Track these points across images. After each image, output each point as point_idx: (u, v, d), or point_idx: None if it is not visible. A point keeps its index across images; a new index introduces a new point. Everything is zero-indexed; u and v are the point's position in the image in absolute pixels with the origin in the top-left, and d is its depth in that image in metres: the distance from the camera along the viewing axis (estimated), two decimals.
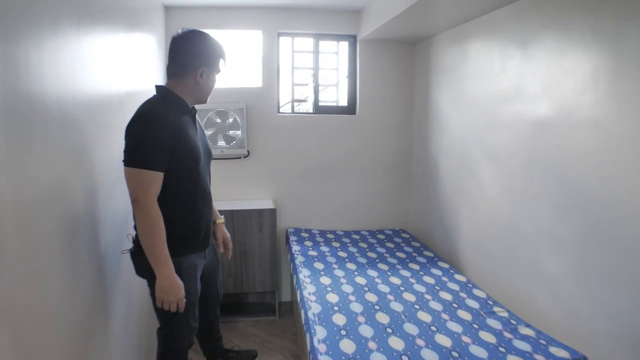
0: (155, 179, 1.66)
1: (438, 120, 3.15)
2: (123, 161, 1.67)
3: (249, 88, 3.38)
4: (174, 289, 1.68)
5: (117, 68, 2.10)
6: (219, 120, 3.29)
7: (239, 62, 3.46)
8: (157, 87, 1.83)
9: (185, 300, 1.74)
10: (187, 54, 1.78)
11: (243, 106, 3.32)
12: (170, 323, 1.87)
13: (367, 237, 3.33)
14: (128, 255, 1.91)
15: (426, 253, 2.99)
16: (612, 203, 1.65)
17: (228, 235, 2.27)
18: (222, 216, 2.26)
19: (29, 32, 1.26)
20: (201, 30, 1.85)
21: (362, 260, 2.82)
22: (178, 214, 1.80)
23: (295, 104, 3.58)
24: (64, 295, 1.46)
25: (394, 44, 3.51)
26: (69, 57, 1.54)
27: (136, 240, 1.78)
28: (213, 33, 3.27)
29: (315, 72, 3.53)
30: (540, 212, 2.06)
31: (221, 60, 1.87)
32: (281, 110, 3.54)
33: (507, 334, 1.89)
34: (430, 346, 1.79)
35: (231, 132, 3.32)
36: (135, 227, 1.76)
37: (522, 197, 2.19)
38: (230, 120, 3.31)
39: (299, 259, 2.78)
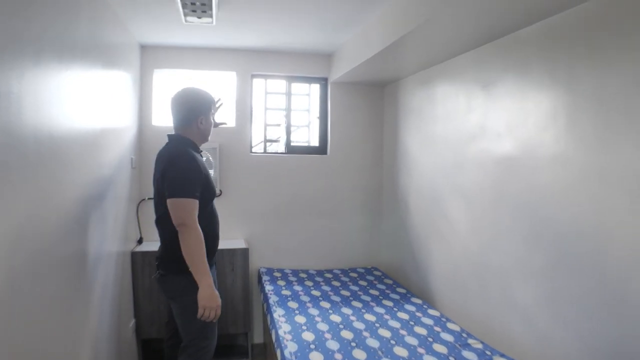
0: (196, 206, 2.01)
1: (407, 159, 3.25)
2: (168, 195, 1.97)
3: (222, 128, 3.42)
4: (215, 297, 1.95)
5: (94, 104, 2.11)
6: None
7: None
8: (170, 135, 2.23)
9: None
10: (186, 109, 2.18)
11: (216, 145, 3.34)
12: (201, 334, 2.11)
13: (340, 275, 3.33)
14: (98, 289, 2.07)
15: (399, 290, 3.01)
16: (577, 233, 1.74)
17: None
18: None
19: (12, 64, 1.27)
20: (190, 87, 2.25)
21: (336, 298, 2.81)
22: (207, 233, 2.10)
23: (268, 144, 3.63)
24: (37, 328, 1.40)
25: (363, 87, 3.65)
26: (48, 91, 1.55)
27: (164, 265, 2.12)
28: (187, 73, 3.36)
29: (287, 112, 3.61)
30: (510, 246, 2.13)
31: (212, 105, 2.27)
32: (254, 150, 3.58)
33: None
34: None
35: None
36: (161, 252, 2.16)
37: (493, 231, 2.26)
38: (204, 159, 3.31)
39: (273, 299, 2.74)
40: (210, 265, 2.17)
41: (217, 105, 2.39)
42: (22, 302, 1.33)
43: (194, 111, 2.18)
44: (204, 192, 2.11)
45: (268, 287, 2.95)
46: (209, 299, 1.92)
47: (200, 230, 1.98)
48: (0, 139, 1.21)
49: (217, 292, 1.96)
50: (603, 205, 1.62)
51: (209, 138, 2.32)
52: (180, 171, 1.99)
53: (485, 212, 2.32)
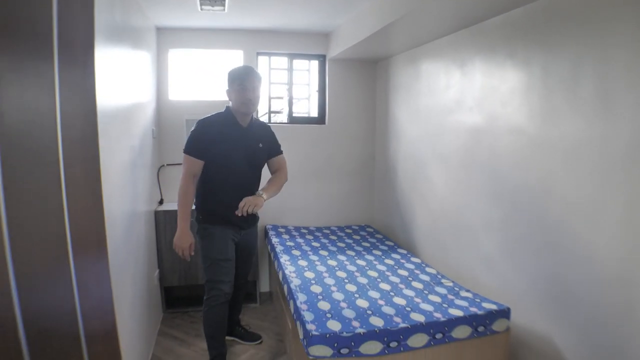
0: (192, 162, 2.49)
1: (396, 129, 3.66)
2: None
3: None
4: (184, 240, 2.48)
5: (127, 82, 2.49)
6: None
7: (222, 78, 3.88)
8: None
9: (216, 259, 2.54)
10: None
11: None
12: (209, 275, 2.57)
13: (337, 231, 3.79)
14: (134, 241, 2.57)
15: (388, 242, 3.47)
16: (525, 190, 2.17)
17: (250, 200, 2.46)
18: (262, 193, 2.59)
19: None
20: (235, 66, 2.65)
21: (333, 248, 3.27)
22: (209, 194, 2.58)
23: (272, 114, 4.03)
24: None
25: (358, 63, 4.02)
26: (101, 73, 1.93)
27: (197, 211, 2.63)
28: (198, 52, 3.71)
29: (289, 87, 4.00)
30: (477, 202, 2.56)
31: (236, 80, 2.55)
32: None
33: (450, 296, 2.37)
34: (388, 304, 2.25)
35: None
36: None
37: (464, 190, 2.70)
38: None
39: (279, 248, 3.20)
40: (226, 225, 2.58)
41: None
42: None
43: (228, 84, 2.60)
44: (208, 154, 2.50)
45: (274, 240, 3.41)
46: (177, 238, 2.49)
47: (187, 183, 2.47)
48: (78, 119, 1.61)
49: (189, 238, 2.48)
50: (545, 167, 2.05)
51: (250, 109, 2.59)
52: (190, 133, 2.54)
53: (458, 174, 2.75)
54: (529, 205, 2.16)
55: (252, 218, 2.71)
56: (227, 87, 2.61)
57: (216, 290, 2.56)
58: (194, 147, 2.50)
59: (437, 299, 2.33)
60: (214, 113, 2.62)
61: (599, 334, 1.79)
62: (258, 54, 3.88)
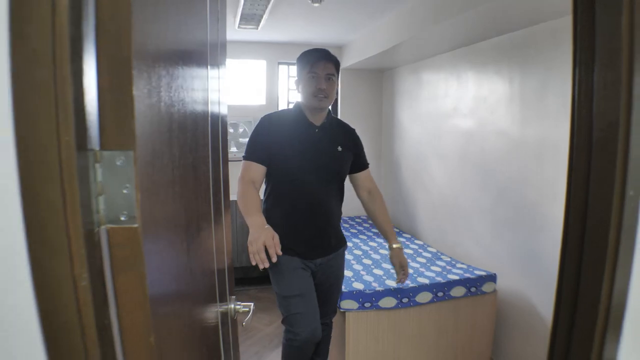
0: (249, 167, 1.90)
1: (400, 130, 4.20)
2: None
3: (255, 105, 4.34)
4: (255, 238, 1.62)
5: None
6: (232, 130, 4.21)
7: (247, 84, 4.41)
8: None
9: (283, 295, 1.94)
10: None
11: (251, 119, 4.25)
12: (282, 312, 1.99)
13: (348, 220, 4.32)
14: None
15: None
16: (509, 181, 2.70)
17: (404, 260, 2.19)
18: (399, 243, 2.24)
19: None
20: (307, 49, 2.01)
21: (346, 234, 3.79)
22: (270, 213, 1.95)
23: None
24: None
25: (367, 72, 4.55)
26: None
27: None
28: (227, 61, 4.20)
29: None
30: (471, 192, 3.09)
31: (306, 66, 1.92)
32: None
33: (448, 267, 2.91)
34: None
35: (241, 140, 4.24)
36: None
37: (460, 182, 3.23)
38: (241, 130, 4.24)
39: None
40: (295, 255, 1.95)
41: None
42: None
43: (297, 72, 2.02)
44: (275, 164, 1.93)
45: None
46: (252, 238, 1.64)
47: (244, 185, 1.85)
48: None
49: (267, 232, 1.64)
50: (523, 163, 2.58)
51: (314, 103, 1.93)
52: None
53: (455, 169, 3.28)
54: (511, 192, 2.69)
55: (328, 243, 2.10)
56: (295, 77, 2.02)
57: (290, 333, 1.96)
58: (250, 148, 1.93)
59: (438, 269, 2.86)
60: (282, 109, 2.10)
61: None
62: (279, 63, 4.40)
